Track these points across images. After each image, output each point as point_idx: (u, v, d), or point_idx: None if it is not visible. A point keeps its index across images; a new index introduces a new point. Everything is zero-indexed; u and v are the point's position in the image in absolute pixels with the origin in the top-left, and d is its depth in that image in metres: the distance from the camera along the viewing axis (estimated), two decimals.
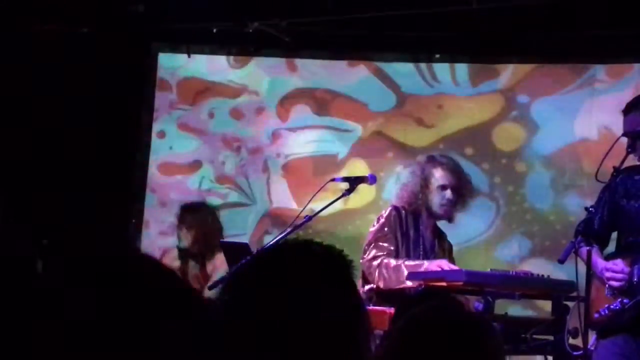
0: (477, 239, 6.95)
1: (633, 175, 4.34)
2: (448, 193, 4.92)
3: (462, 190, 4.96)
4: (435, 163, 4.99)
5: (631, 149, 4.17)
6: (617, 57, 6.80)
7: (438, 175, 4.94)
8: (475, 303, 4.51)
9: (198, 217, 6.11)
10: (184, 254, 6.08)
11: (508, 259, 6.87)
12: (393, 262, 4.75)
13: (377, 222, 4.95)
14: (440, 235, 5.10)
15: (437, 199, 4.92)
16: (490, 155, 7.06)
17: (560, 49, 6.81)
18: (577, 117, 6.91)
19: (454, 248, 5.31)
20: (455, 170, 4.97)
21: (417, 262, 4.77)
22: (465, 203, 5.00)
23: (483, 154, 7.06)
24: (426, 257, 4.93)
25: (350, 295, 1.71)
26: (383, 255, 4.80)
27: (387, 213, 4.95)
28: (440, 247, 5.07)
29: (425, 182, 4.92)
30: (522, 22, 6.60)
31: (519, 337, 4.68)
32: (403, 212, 4.95)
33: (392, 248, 4.84)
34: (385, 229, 4.88)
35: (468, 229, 6.83)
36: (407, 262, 4.74)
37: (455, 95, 7.12)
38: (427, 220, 4.97)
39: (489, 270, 4.98)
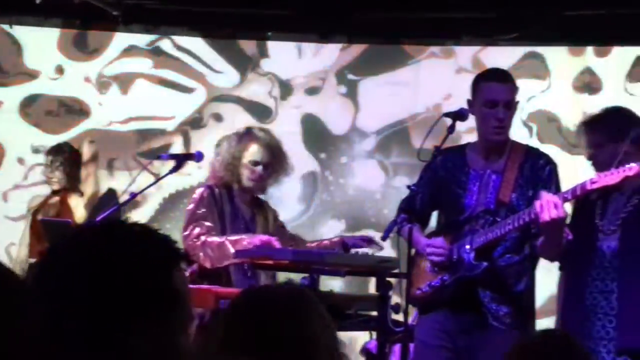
0: (304, 216, 7.02)
1: (450, 156, 4.43)
2: (259, 169, 4.90)
3: (275, 167, 4.96)
4: (252, 137, 4.96)
5: (452, 129, 4.25)
6: (448, 39, 6.96)
7: (252, 150, 4.91)
8: (301, 280, 4.54)
9: (64, 155, 6.30)
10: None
11: (335, 235, 6.96)
12: (216, 239, 4.72)
13: (192, 202, 4.89)
14: (259, 204, 5.09)
15: (247, 173, 4.90)
16: (319, 133, 7.13)
17: (390, 30, 6.93)
18: (406, 96, 7.05)
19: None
20: (270, 148, 4.95)
21: (238, 236, 4.75)
22: (278, 179, 5.00)
23: (312, 132, 7.13)
24: (248, 229, 4.92)
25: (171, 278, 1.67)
26: (205, 233, 4.76)
27: (199, 194, 4.89)
28: (262, 216, 5.06)
29: (238, 154, 4.90)
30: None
31: (344, 313, 4.74)
32: (216, 189, 4.90)
33: (212, 225, 4.80)
34: (201, 208, 4.83)
35: (294, 207, 6.90)
36: (229, 238, 4.72)
37: (291, 73, 7.15)
38: (240, 193, 4.95)
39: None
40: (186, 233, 4.79)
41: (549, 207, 3.93)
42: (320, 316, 2.13)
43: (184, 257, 1.71)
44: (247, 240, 4.67)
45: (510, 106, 4.31)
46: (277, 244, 4.65)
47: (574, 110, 6.74)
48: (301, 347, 2.05)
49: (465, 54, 6.98)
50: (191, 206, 4.87)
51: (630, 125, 4.15)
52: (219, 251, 4.69)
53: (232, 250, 4.65)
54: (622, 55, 6.81)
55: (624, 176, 3.84)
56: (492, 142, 4.34)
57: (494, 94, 4.29)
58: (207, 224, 4.80)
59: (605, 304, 4.13)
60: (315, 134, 7.14)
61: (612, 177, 3.86)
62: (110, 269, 1.60)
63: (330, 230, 7.01)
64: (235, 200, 4.94)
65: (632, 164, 3.85)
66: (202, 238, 4.73)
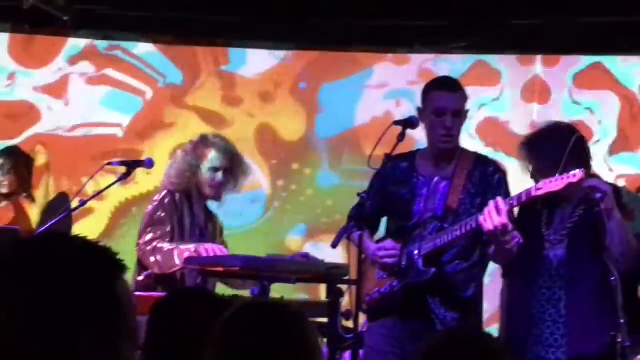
0: (256, 224, 7.02)
1: (400, 163, 4.46)
2: (219, 175, 4.91)
3: (234, 172, 4.98)
4: (209, 144, 4.97)
5: (402, 137, 4.27)
6: (400, 46, 7.01)
7: (210, 157, 4.92)
8: (252, 288, 4.55)
9: (15, 158, 6.17)
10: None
11: (288, 242, 6.97)
12: (167, 246, 4.72)
13: (152, 205, 4.90)
14: (210, 215, 5.09)
15: (207, 180, 4.90)
16: (273, 139, 7.14)
17: (343, 37, 6.96)
18: (358, 102, 7.08)
19: (234, 231, 5.33)
20: (228, 152, 4.97)
21: (189, 245, 4.75)
22: (237, 184, 5.03)
23: (265, 139, 7.13)
24: (202, 235, 4.92)
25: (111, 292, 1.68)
26: (158, 239, 4.76)
27: (161, 197, 4.90)
28: (213, 226, 5.07)
29: (197, 162, 4.90)
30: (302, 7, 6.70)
31: None
32: (177, 195, 4.91)
33: (167, 230, 4.80)
34: (161, 212, 4.83)
35: (247, 213, 6.89)
36: (181, 246, 4.72)
37: (241, 76, 7.16)
38: (198, 200, 4.95)
39: (266, 255, 5.04)
40: (141, 238, 4.80)
41: (491, 215, 3.98)
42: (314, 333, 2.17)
43: (125, 268, 1.73)
44: (195, 249, 4.67)
45: (459, 115, 4.35)
46: (224, 251, 4.67)
47: (524, 118, 6.82)
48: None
49: (416, 61, 7.02)
50: (150, 209, 4.89)
51: (567, 142, 4.18)
52: (167, 258, 4.70)
53: (177, 260, 4.66)
54: (570, 64, 6.90)
55: (568, 183, 3.89)
56: (440, 150, 4.38)
57: (442, 102, 4.33)
58: (163, 228, 4.80)
59: (554, 311, 4.18)
60: (268, 140, 7.15)
61: (557, 183, 3.91)
62: (52, 282, 1.62)
63: (284, 237, 7.02)
64: (194, 207, 4.95)
65: (576, 171, 3.90)
66: (154, 243, 4.75)
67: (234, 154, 5.00)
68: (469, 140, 6.51)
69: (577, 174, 3.88)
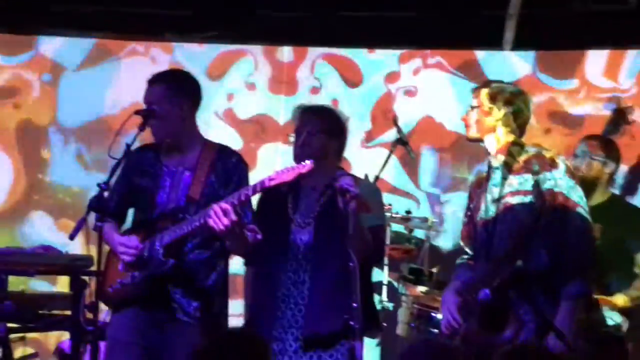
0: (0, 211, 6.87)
1: (145, 153, 4.44)
2: None
3: None
4: None
5: (143, 127, 4.26)
6: (148, 35, 6.99)
7: None
8: None
9: None
10: None
11: (32, 232, 6.85)
12: None
13: None
14: None
15: None
16: (21, 127, 6.99)
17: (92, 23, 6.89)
18: (106, 91, 7.02)
19: None
20: None
21: None
22: None
23: (14, 127, 6.97)
24: None
25: None
26: None
27: None
28: None
29: None
30: None
31: (37, 313, 4.67)
32: None
33: None
34: None
35: None
36: None
37: None
38: None
39: (5, 247, 4.91)
40: None
41: (219, 216, 4.04)
42: None
43: None
44: None
45: (157, 103, 4.33)
46: None
47: (272, 109, 6.98)
48: None
49: (166, 50, 7.02)
50: None
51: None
52: None
53: None
54: (317, 56, 7.08)
55: (298, 173, 4.02)
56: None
57: (145, 95, 4.37)
58: None
59: (297, 293, 4.31)
60: (17, 128, 7.00)
61: (288, 174, 4.03)
62: None
63: (28, 227, 6.89)
64: None
65: (307, 162, 4.03)
66: None
67: None
68: (218, 129, 6.58)
69: (306, 165, 4.01)
